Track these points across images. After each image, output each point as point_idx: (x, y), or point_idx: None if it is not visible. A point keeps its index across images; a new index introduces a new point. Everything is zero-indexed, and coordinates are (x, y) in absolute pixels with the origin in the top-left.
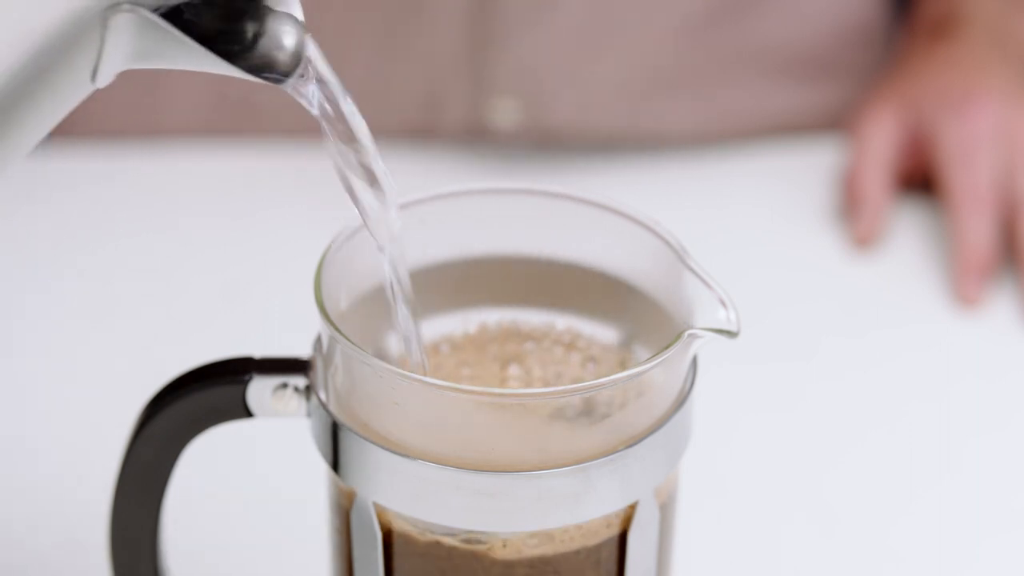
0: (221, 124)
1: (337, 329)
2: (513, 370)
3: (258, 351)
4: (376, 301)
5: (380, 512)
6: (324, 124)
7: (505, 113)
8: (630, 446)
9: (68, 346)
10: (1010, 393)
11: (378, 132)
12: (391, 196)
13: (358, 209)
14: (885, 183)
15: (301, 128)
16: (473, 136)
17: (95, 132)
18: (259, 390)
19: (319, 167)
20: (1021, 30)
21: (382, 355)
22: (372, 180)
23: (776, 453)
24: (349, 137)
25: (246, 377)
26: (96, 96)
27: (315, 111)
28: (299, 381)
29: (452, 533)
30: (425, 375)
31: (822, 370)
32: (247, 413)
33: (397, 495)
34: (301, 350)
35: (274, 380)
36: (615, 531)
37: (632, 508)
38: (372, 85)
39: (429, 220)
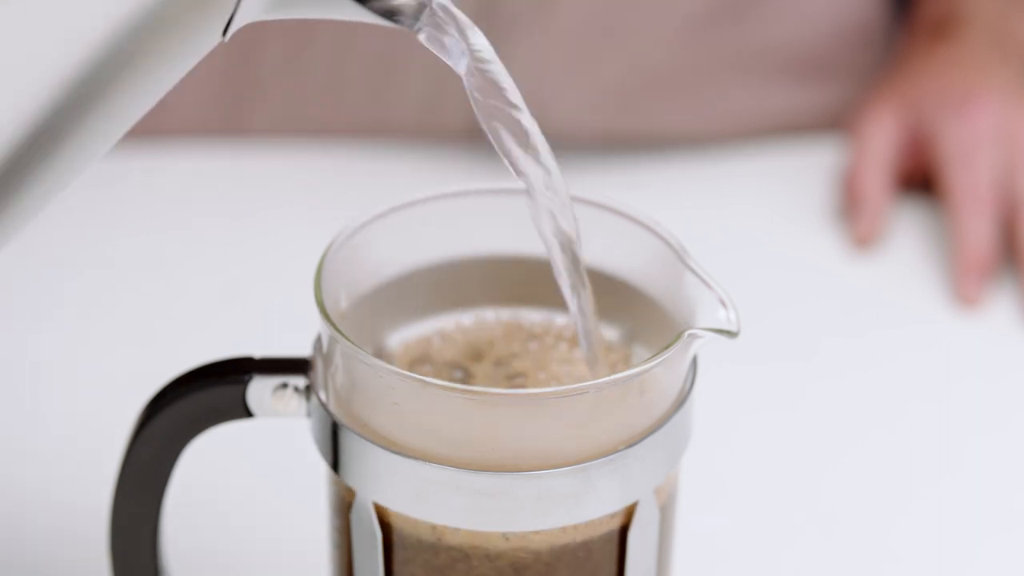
0: (221, 124)
1: (337, 329)
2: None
3: (258, 351)
4: (376, 301)
5: (380, 512)
6: (465, 79)
7: None
8: (630, 446)
9: (68, 346)
10: (1010, 393)
11: (379, 131)
12: (543, 148)
13: (513, 170)
14: (885, 183)
15: (301, 128)
16: (473, 136)
17: None
18: (259, 390)
19: (319, 167)
20: (1021, 30)
21: (382, 355)
22: (520, 132)
23: (776, 453)
24: (492, 90)
25: (246, 377)
26: None
27: (451, 62)
28: (299, 381)
29: (452, 533)
30: (597, 363)
31: (822, 370)
32: (247, 413)
33: (397, 495)
34: (301, 350)
35: (274, 380)
36: (615, 531)
37: (632, 508)
38: (373, 84)
39: (429, 220)
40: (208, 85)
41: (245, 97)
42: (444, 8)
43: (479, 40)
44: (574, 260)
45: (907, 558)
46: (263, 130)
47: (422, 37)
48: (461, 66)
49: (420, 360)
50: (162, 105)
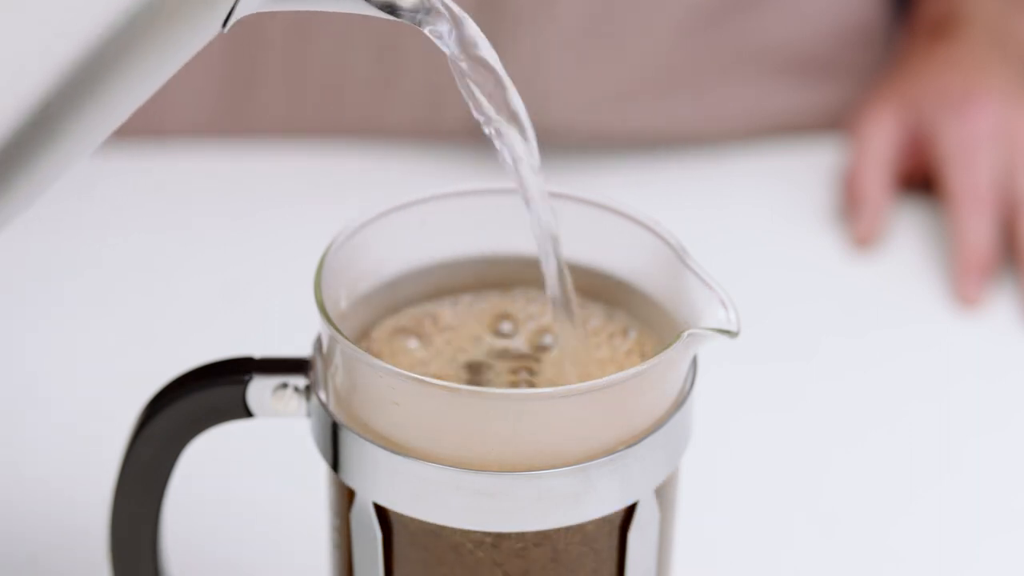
0: (221, 124)
1: (337, 329)
2: (504, 327)
3: (258, 351)
4: (376, 301)
5: (380, 512)
6: (459, 65)
7: None
8: (630, 446)
9: (68, 346)
10: (1010, 393)
11: (379, 131)
12: (531, 133)
13: (503, 148)
14: (885, 183)
15: (301, 128)
16: (473, 136)
17: None
18: (259, 390)
19: (319, 167)
20: (1021, 30)
21: (366, 335)
22: (513, 117)
23: (776, 453)
24: (486, 78)
25: (246, 377)
26: None
27: (449, 52)
28: (299, 381)
29: (452, 533)
30: (575, 333)
31: (822, 370)
32: (247, 413)
33: (397, 495)
34: (301, 350)
35: (274, 380)
36: (615, 531)
37: (632, 508)
38: (374, 84)
39: (429, 220)
40: (209, 85)
41: (245, 97)
42: (441, 2)
43: (472, 29)
44: (549, 217)
45: (907, 558)
46: (263, 130)
47: (426, 30)
48: (456, 56)
49: (402, 331)
50: (162, 105)
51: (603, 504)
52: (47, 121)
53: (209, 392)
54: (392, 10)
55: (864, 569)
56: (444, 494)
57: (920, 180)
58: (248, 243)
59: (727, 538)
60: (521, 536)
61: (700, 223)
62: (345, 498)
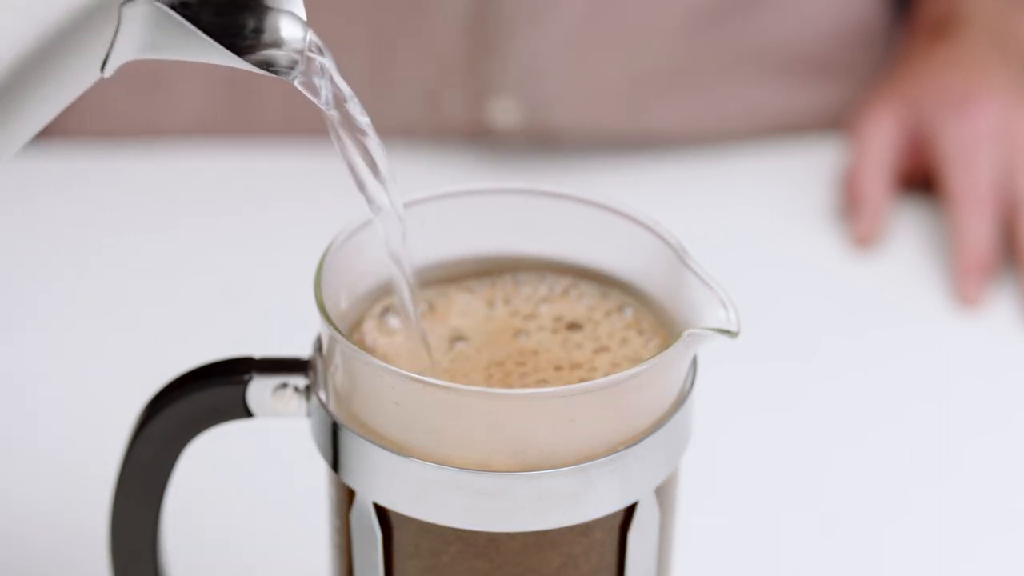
0: (221, 124)
1: (337, 329)
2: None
3: (258, 351)
4: (376, 301)
5: (380, 512)
6: (331, 117)
7: (505, 113)
8: (630, 446)
9: (68, 346)
10: (1010, 393)
11: (378, 131)
12: (394, 188)
13: (365, 197)
14: (885, 183)
15: (301, 128)
16: (473, 136)
17: (95, 132)
18: (259, 390)
19: (319, 167)
20: (1021, 30)
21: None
22: (377, 172)
23: (776, 453)
24: (355, 132)
25: (246, 377)
26: (96, 95)
27: (322, 105)
28: (299, 381)
29: (452, 533)
30: (424, 343)
31: (822, 370)
32: (247, 413)
33: (397, 495)
34: (301, 350)
35: (274, 380)
36: (615, 531)
37: (632, 508)
38: (372, 85)
39: (429, 220)
40: (209, 85)
41: (245, 97)
42: (313, 53)
43: (341, 82)
44: (408, 274)
45: (907, 558)
46: (263, 130)
47: (297, 83)
48: (329, 106)
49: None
50: (163, 105)
51: (603, 504)
52: None
53: (209, 392)
54: (267, 67)
55: (864, 569)
56: (444, 494)
57: (920, 180)
58: (248, 243)
59: (727, 538)
60: (521, 536)
61: (700, 223)
62: (345, 498)
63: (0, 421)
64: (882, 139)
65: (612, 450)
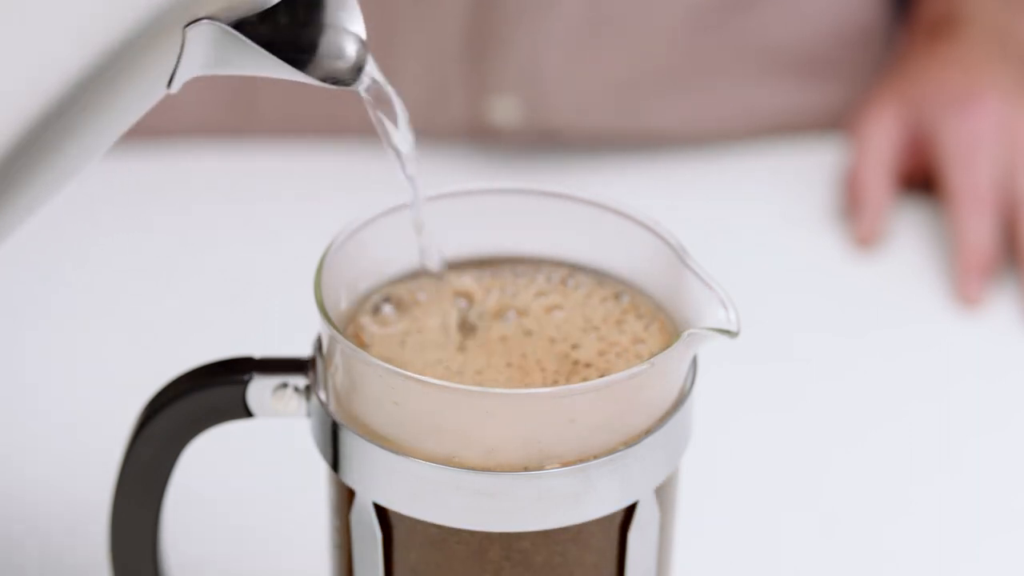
0: (222, 124)
1: (337, 329)
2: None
3: (258, 351)
4: (372, 296)
5: (380, 512)
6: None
7: (505, 111)
8: (630, 446)
9: (68, 346)
10: (1010, 393)
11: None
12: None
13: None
14: (886, 183)
15: (301, 128)
16: (473, 135)
17: None
18: (259, 390)
19: (319, 167)
20: (1021, 30)
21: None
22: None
23: (776, 453)
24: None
25: (246, 377)
26: None
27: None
28: (299, 381)
29: (452, 533)
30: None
31: (822, 370)
32: (247, 413)
33: (397, 495)
34: (301, 350)
35: (274, 380)
36: (615, 531)
37: (632, 508)
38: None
39: (430, 219)
40: (210, 85)
41: (246, 97)
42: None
43: (397, 103)
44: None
45: (907, 558)
46: (264, 130)
47: (362, 91)
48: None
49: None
50: (164, 105)
51: (603, 504)
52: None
53: (209, 392)
54: (332, 80)
55: (864, 569)
56: (444, 494)
57: (921, 179)
58: (248, 243)
59: (727, 538)
60: (521, 536)
61: (700, 223)
62: (345, 498)
63: (0, 421)
64: (882, 139)
65: (612, 450)
